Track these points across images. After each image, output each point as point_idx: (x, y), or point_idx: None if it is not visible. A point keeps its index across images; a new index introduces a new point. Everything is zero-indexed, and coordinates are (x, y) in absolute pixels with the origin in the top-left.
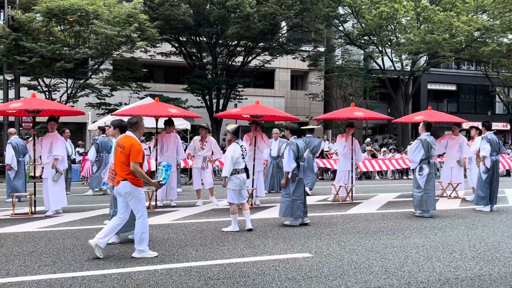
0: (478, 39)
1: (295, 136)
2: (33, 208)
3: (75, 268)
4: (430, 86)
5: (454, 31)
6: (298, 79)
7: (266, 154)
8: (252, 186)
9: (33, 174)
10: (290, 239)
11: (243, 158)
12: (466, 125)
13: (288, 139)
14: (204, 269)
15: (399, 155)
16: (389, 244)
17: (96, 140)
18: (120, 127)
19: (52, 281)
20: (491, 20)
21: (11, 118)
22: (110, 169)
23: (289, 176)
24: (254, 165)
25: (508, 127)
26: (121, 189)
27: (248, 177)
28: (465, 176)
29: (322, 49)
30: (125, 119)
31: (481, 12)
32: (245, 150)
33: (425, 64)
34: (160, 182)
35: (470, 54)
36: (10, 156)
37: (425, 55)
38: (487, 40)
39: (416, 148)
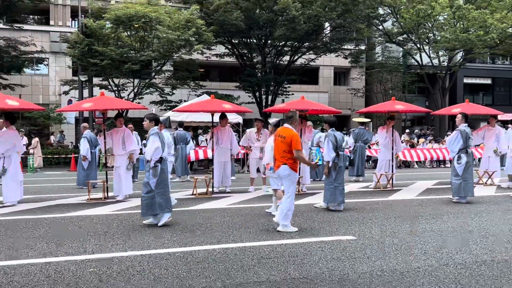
0: None
1: (333, 128)
2: (106, 193)
3: (143, 246)
4: (466, 80)
5: (488, 28)
6: (340, 76)
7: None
8: (299, 174)
9: (105, 164)
10: (335, 223)
11: None
12: (501, 116)
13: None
14: (257, 249)
15: (437, 145)
16: (428, 228)
17: (173, 133)
18: (155, 120)
19: (124, 258)
20: None
21: (86, 114)
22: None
23: (330, 164)
24: None
25: None
26: (281, 172)
27: None
28: (502, 164)
29: (363, 47)
30: (185, 115)
31: None
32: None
33: (461, 60)
34: (317, 163)
35: (504, 49)
36: (85, 148)
37: (461, 51)
38: None
39: (455, 138)
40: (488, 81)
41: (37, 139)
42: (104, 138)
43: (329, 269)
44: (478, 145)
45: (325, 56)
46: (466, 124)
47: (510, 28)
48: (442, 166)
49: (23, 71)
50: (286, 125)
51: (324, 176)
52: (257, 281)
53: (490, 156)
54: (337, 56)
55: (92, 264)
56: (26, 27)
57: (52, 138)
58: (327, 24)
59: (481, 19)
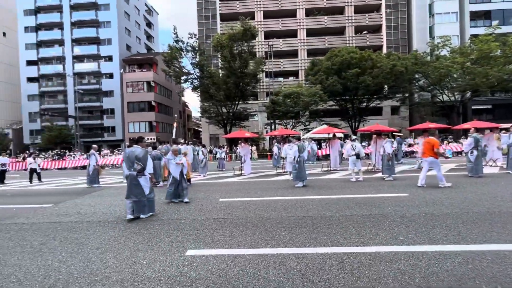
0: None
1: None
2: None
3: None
4: (474, 107)
5: (489, 76)
6: (394, 110)
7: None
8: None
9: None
10: (396, 186)
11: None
12: (500, 126)
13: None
14: (360, 198)
15: (456, 144)
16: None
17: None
18: (298, 139)
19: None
20: None
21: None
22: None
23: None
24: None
25: None
26: (430, 160)
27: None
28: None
29: (406, 94)
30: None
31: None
32: (356, 146)
33: (469, 96)
34: (448, 156)
35: (501, 87)
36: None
37: (469, 91)
38: None
39: (470, 142)
40: (490, 106)
41: (254, 147)
42: (282, 146)
43: (394, 211)
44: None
45: (385, 101)
46: (477, 133)
47: (505, 76)
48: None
49: (248, 120)
50: (431, 137)
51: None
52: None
53: (494, 150)
54: (392, 101)
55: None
56: (248, 101)
57: (260, 146)
58: (386, 86)
59: (484, 73)
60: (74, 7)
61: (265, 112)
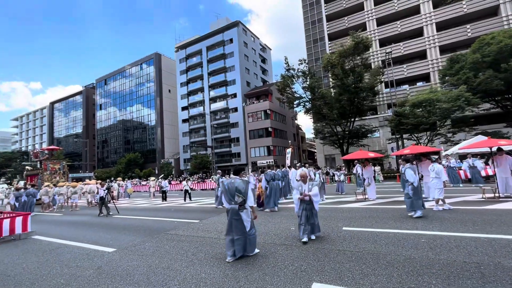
0: None
1: None
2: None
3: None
4: None
5: None
6: None
7: None
8: None
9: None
10: None
11: None
12: None
13: None
14: None
15: None
16: None
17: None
18: (406, 160)
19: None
20: None
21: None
22: None
23: None
24: None
25: None
26: None
27: None
28: None
29: None
30: (456, 148)
31: None
32: None
33: None
34: None
35: None
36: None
37: None
38: None
39: None
40: None
41: (378, 167)
42: (416, 165)
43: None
44: None
45: None
46: None
47: None
48: None
49: (367, 137)
50: None
51: None
52: None
53: None
54: None
55: None
56: (366, 117)
57: (385, 165)
58: None
59: None
60: (209, 61)
61: (387, 126)
